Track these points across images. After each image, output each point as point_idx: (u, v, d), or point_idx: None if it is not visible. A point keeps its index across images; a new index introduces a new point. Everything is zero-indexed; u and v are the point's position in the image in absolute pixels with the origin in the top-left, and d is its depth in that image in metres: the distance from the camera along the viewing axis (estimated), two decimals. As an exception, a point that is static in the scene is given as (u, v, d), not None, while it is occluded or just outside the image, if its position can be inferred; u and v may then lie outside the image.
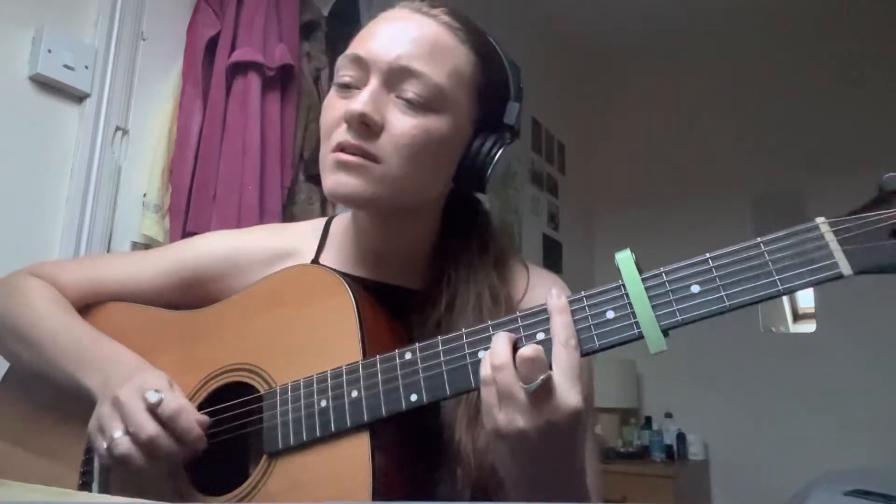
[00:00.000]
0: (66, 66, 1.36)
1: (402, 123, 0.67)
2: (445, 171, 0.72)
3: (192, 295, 0.81)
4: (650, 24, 3.60)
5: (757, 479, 3.18)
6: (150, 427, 0.62)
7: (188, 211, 1.49)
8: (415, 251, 0.77)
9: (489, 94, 0.73)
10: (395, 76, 0.67)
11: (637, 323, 0.55)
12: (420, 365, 0.60)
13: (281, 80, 1.64)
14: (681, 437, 3.24)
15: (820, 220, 0.53)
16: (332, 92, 0.72)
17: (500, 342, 0.55)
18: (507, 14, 3.16)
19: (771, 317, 3.29)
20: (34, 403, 0.81)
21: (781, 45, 3.50)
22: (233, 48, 1.58)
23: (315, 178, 1.71)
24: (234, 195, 1.51)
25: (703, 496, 3.29)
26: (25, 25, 1.33)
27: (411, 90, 0.67)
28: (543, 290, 0.73)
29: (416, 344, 0.61)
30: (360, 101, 0.66)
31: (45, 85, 1.35)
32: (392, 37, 0.69)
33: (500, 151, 0.72)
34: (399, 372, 0.61)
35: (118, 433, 0.63)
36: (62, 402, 0.74)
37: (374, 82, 0.67)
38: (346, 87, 0.70)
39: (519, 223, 3.10)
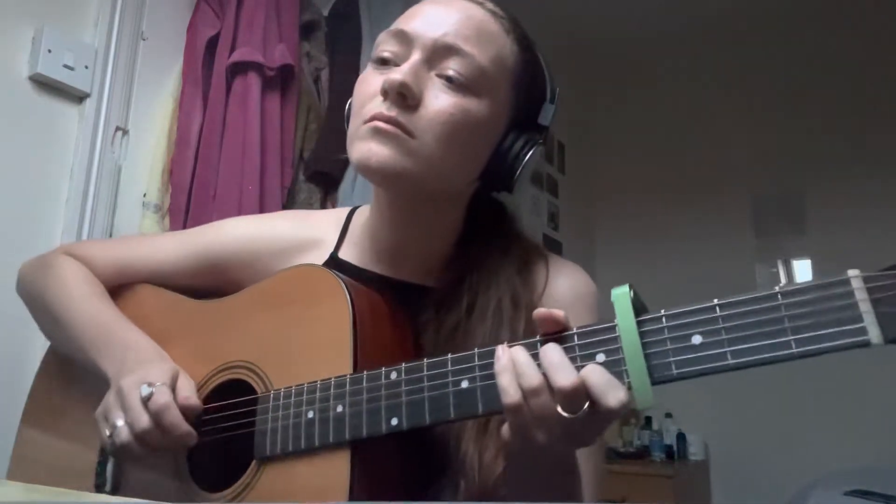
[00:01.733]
0: (66, 66, 1.36)
1: (440, 101, 0.65)
2: (476, 160, 0.70)
3: (217, 279, 0.82)
4: (650, 24, 3.60)
5: (757, 479, 3.18)
6: (143, 420, 0.64)
7: (188, 211, 1.49)
8: (435, 248, 0.75)
9: (527, 90, 0.72)
10: (439, 53, 0.66)
11: (626, 372, 0.50)
12: (403, 388, 0.58)
13: (281, 80, 1.64)
14: (681, 437, 3.24)
15: (852, 272, 0.45)
16: (369, 68, 0.70)
17: (528, 364, 0.51)
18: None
19: (771, 317, 3.28)
20: (68, 387, 0.84)
21: (781, 46, 3.50)
22: (233, 48, 1.58)
23: (315, 178, 1.71)
24: (234, 195, 1.51)
25: (703, 496, 3.29)
26: (25, 25, 1.33)
27: (453, 68, 0.65)
28: (562, 284, 0.73)
29: (403, 364, 0.59)
30: (401, 71, 0.65)
31: (45, 85, 1.35)
32: (438, 16, 0.68)
33: (532, 151, 0.70)
34: (383, 392, 0.59)
35: (120, 422, 0.65)
36: (92, 385, 0.76)
37: (416, 56, 0.66)
38: (385, 63, 0.68)
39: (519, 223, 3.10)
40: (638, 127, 3.88)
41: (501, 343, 0.57)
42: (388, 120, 0.64)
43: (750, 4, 3.39)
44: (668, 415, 3.33)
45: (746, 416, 3.23)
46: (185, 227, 1.47)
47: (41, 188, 1.34)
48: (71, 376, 0.83)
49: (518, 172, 0.70)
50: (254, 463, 0.65)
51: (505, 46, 0.70)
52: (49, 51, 1.33)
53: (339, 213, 0.85)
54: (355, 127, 0.68)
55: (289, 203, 1.67)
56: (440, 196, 0.72)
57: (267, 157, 1.58)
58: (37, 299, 0.84)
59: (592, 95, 4.01)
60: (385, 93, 0.65)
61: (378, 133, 0.65)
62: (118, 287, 0.85)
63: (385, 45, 0.69)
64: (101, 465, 0.74)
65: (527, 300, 0.70)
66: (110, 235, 1.42)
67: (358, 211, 0.84)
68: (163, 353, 0.73)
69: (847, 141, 3.23)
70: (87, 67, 1.41)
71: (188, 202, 1.49)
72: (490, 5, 0.71)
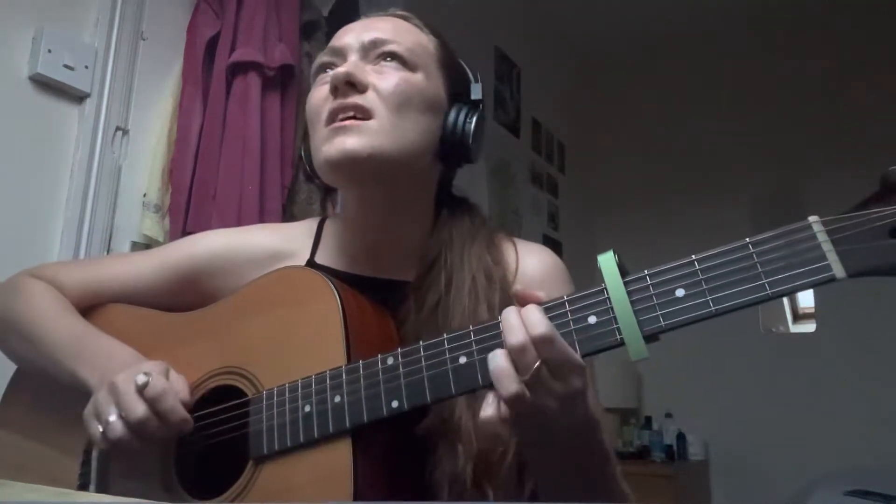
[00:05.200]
0: (66, 66, 1.36)
1: (385, 80, 0.72)
2: (429, 131, 0.75)
3: (189, 293, 0.82)
4: (650, 24, 3.60)
5: (757, 479, 3.18)
6: (139, 409, 0.63)
7: (188, 211, 1.49)
8: (408, 241, 0.78)
9: (453, 71, 0.80)
10: (369, 48, 0.74)
11: (619, 329, 0.53)
12: (402, 370, 0.60)
13: (281, 80, 1.64)
14: (681, 437, 3.24)
15: (812, 218, 0.50)
16: (313, 87, 0.77)
17: (516, 324, 0.54)
18: (508, 14, 3.16)
19: (771, 317, 3.28)
20: (41, 402, 0.82)
21: (781, 45, 3.50)
22: (233, 48, 1.58)
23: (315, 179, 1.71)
24: (234, 195, 1.51)
25: (703, 496, 3.29)
26: (25, 25, 1.33)
27: (388, 54, 0.74)
28: (532, 262, 0.78)
29: (399, 349, 0.61)
30: (343, 66, 0.72)
31: (45, 85, 1.35)
32: (361, 26, 0.77)
33: (476, 118, 0.77)
34: (381, 377, 0.60)
35: (112, 417, 0.64)
36: (67, 401, 0.75)
37: (352, 57, 0.74)
38: (325, 73, 0.75)
39: (519, 223, 3.10)
40: (638, 127, 3.88)
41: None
42: (344, 108, 0.70)
43: (750, 6, 3.39)
44: (668, 415, 3.33)
45: (746, 416, 3.23)
46: (184, 227, 1.47)
47: (41, 188, 1.34)
48: (44, 388, 0.81)
49: (471, 139, 0.76)
50: (250, 464, 0.65)
51: (423, 37, 0.78)
52: (49, 51, 1.33)
53: (310, 224, 0.87)
54: (318, 135, 0.73)
55: (289, 203, 1.67)
56: (407, 175, 0.75)
57: (267, 157, 1.58)
58: (3, 322, 0.82)
59: (593, 96, 4.01)
60: (335, 88, 0.71)
61: (339, 130, 0.70)
62: (87, 308, 0.83)
63: (322, 61, 0.77)
64: (84, 476, 0.72)
65: (499, 276, 0.74)
66: (110, 235, 1.42)
67: (328, 221, 0.87)
68: (143, 358, 0.72)
69: (847, 141, 3.23)
70: (87, 67, 1.40)
71: (188, 202, 1.49)
72: (401, 13, 0.80)
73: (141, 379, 0.64)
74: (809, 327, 0.69)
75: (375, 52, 0.74)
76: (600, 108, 4.01)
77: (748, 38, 3.57)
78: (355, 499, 0.57)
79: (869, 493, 2.25)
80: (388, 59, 0.74)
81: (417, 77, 0.74)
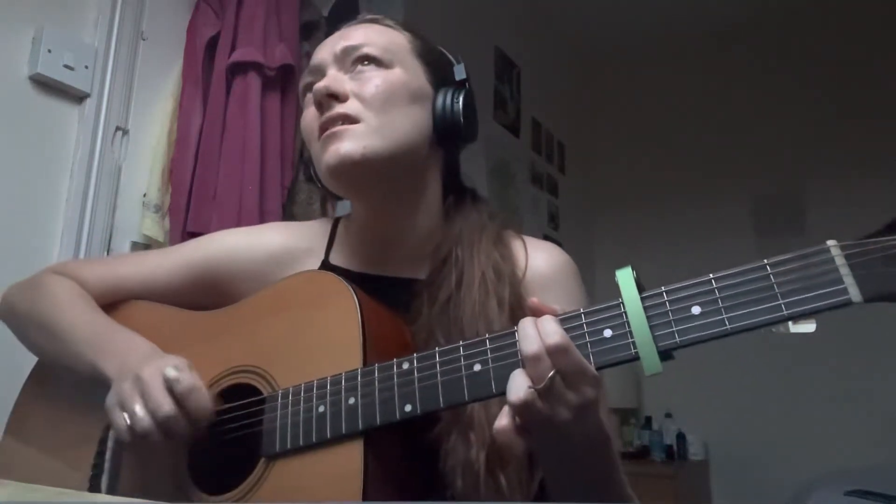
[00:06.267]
0: (66, 66, 1.37)
1: (364, 85, 0.75)
2: (419, 121, 0.77)
3: (208, 292, 0.83)
4: (651, 24, 3.60)
5: (757, 479, 3.18)
6: (167, 405, 0.63)
7: (188, 211, 1.49)
8: (419, 236, 0.79)
9: (432, 59, 0.81)
10: (343, 58, 0.77)
11: (634, 343, 0.54)
12: (416, 375, 0.60)
13: (281, 80, 1.64)
14: (681, 437, 3.24)
15: (831, 242, 0.50)
16: (304, 109, 0.81)
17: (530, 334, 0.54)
18: (508, 14, 3.16)
19: (771, 317, 3.28)
20: (60, 395, 0.83)
21: (781, 46, 3.50)
22: (233, 48, 1.58)
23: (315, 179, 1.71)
24: (234, 195, 1.51)
25: (703, 496, 3.29)
26: (25, 25, 1.33)
27: (362, 58, 0.76)
28: (542, 259, 0.79)
29: (414, 354, 0.61)
30: (322, 81, 0.75)
31: (45, 85, 1.35)
32: (333, 40, 0.80)
33: (463, 96, 0.78)
34: (396, 381, 0.61)
35: (139, 409, 0.64)
36: (85, 393, 0.76)
37: (330, 70, 0.77)
38: (311, 91, 0.78)
39: (519, 223, 3.09)
40: (638, 127, 3.88)
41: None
42: (332, 120, 0.73)
43: (750, 7, 3.40)
44: (668, 415, 3.33)
45: (746, 416, 3.23)
46: (184, 227, 1.47)
47: (41, 188, 1.34)
48: (60, 386, 0.82)
49: (462, 117, 0.77)
50: (262, 461, 0.65)
51: (395, 35, 0.80)
52: (49, 51, 1.33)
53: (325, 224, 0.89)
54: (315, 150, 0.76)
55: (289, 203, 1.67)
56: (406, 169, 0.77)
57: (267, 157, 1.58)
58: (27, 316, 0.83)
59: (593, 96, 4.01)
60: (319, 104, 0.74)
61: (331, 137, 0.73)
62: (108, 305, 0.84)
63: (306, 82, 0.80)
64: (97, 467, 0.73)
65: (508, 272, 0.75)
66: (110, 235, 1.42)
67: (341, 222, 0.88)
68: (163, 353, 0.73)
69: (847, 141, 3.24)
70: (87, 67, 1.41)
71: (188, 202, 1.49)
72: (370, 17, 0.82)
73: (171, 373, 0.64)
74: (809, 327, 0.70)
75: (350, 59, 0.77)
76: (600, 108, 4.01)
77: (748, 39, 3.57)
78: (364, 500, 0.57)
79: (869, 493, 2.25)
80: (365, 62, 0.76)
81: (395, 73, 0.76)
